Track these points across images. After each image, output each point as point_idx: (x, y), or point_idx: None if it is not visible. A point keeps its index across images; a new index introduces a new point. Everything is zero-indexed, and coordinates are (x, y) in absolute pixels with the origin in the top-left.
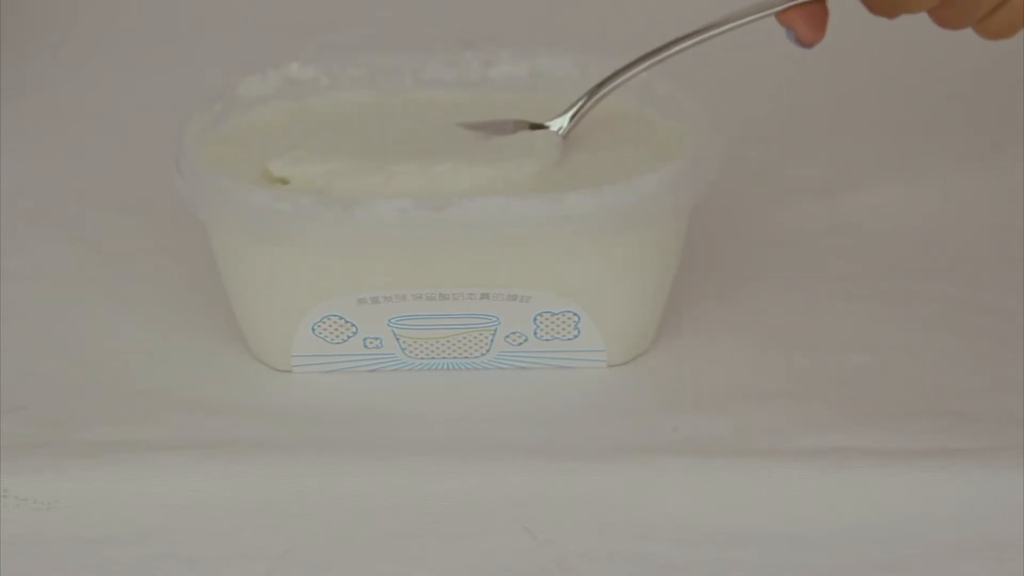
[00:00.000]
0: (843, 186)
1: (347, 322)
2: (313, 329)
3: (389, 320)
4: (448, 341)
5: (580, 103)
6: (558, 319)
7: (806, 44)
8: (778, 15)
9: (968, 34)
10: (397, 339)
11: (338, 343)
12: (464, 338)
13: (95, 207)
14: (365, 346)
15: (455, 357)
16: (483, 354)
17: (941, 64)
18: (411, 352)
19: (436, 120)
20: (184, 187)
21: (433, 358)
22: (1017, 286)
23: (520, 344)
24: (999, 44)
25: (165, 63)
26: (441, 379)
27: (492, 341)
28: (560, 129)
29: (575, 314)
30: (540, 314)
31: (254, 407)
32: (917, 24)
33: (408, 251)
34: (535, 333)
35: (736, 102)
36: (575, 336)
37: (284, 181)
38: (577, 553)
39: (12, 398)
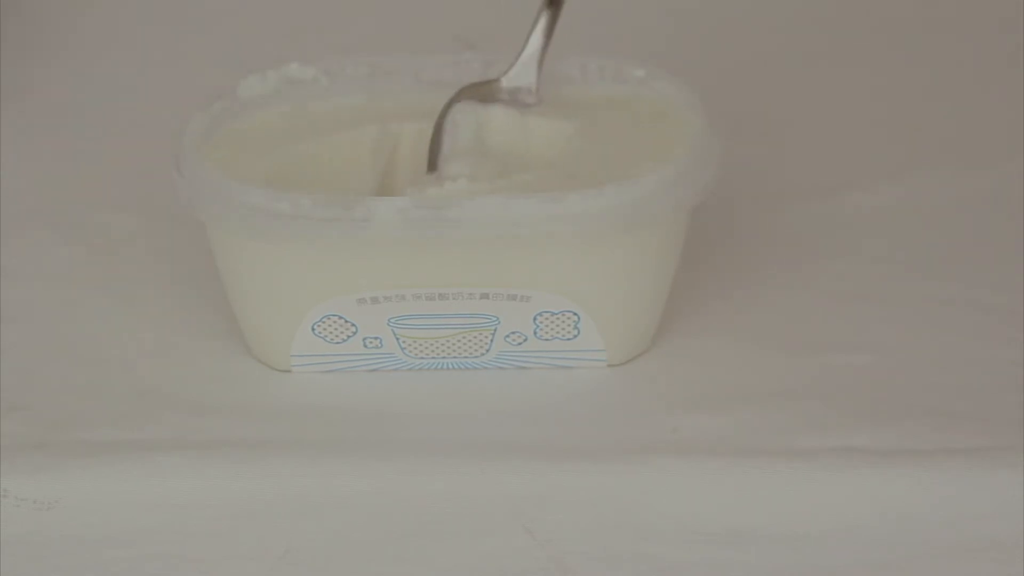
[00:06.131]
0: (843, 186)
1: (347, 322)
2: (313, 329)
3: (389, 320)
4: (448, 341)
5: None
6: (558, 319)
7: None
8: None
9: (968, 34)
10: (397, 339)
11: (338, 343)
12: (464, 338)
13: (95, 207)
14: (365, 346)
15: (455, 357)
16: (483, 354)
17: (941, 64)
18: (411, 352)
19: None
20: (184, 187)
21: (433, 358)
22: (1016, 286)
23: (520, 344)
24: (999, 44)
25: (165, 63)
26: (441, 379)
27: (492, 341)
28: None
29: (575, 314)
30: (540, 314)
31: (254, 407)
32: (918, 24)
33: (408, 251)
34: (535, 333)
35: (737, 101)
36: (575, 336)
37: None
38: (577, 553)
39: (12, 398)
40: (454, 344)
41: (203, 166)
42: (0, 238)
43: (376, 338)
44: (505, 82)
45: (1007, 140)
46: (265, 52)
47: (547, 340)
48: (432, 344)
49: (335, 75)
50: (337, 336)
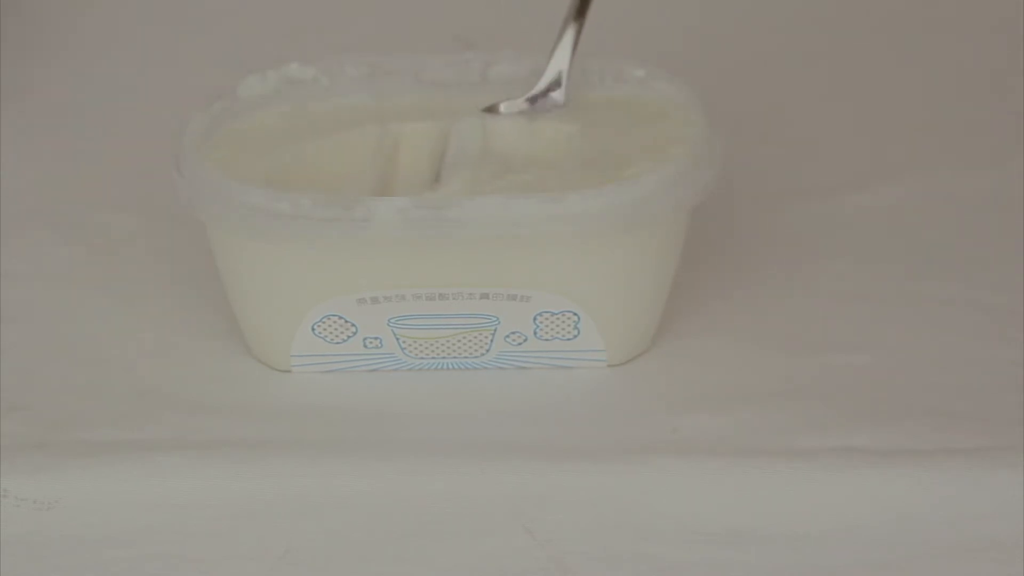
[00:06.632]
0: (843, 186)
1: (347, 322)
2: (313, 329)
3: (389, 320)
4: (448, 341)
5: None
6: (558, 319)
7: None
8: None
9: (967, 34)
10: (397, 339)
11: (338, 343)
12: (464, 338)
13: (95, 207)
14: (365, 346)
15: (455, 357)
16: (483, 354)
17: (941, 64)
18: (411, 352)
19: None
20: (184, 187)
21: (433, 358)
22: (1016, 286)
23: (520, 344)
24: (999, 44)
25: (165, 63)
26: (441, 379)
27: (492, 341)
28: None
29: (575, 314)
30: (540, 314)
31: (254, 407)
32: (918, 24)
33: (408, 251)
34: (535, 333)
35: (737, 101)
36: (575, 336)
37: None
38: (577, 553)
39: (12, 398)
40: (454, 344)
41: (203, 166)
42: (0, 238)
43: (376, 338)
44: (528, 102)
45: (1007, 140)
46: (265, 52)
47: (547, 340)
48: (432, 344)
49: (335, 75)
50: (337, 336)
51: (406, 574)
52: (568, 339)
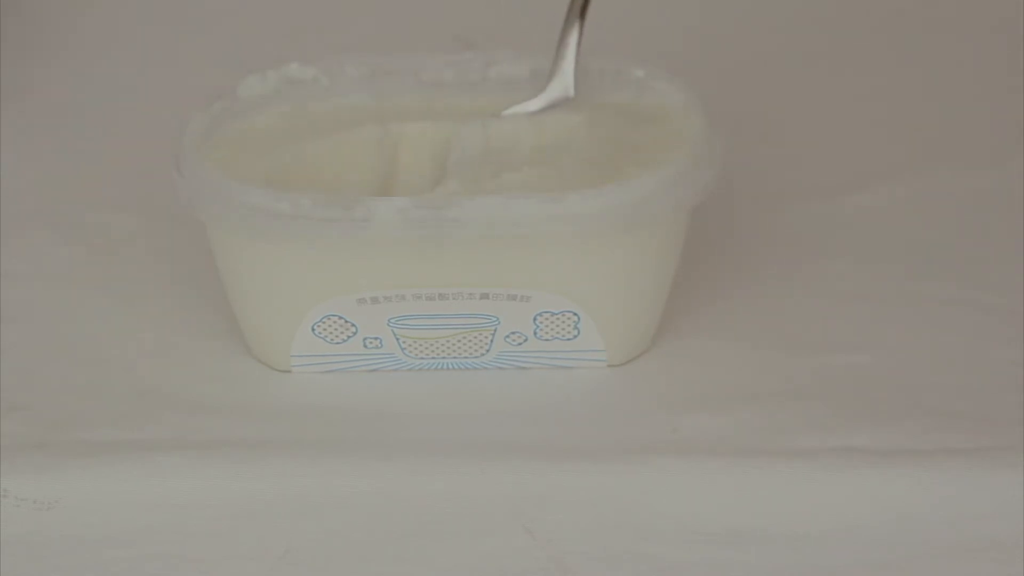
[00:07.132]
0: (843, 186)
1: (347, 322)
2: (313, 329)
3: (389, 320)
4: (448, 341)
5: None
6: (558, 319)
7: None
8: None
9: (968, 35)
10: (397, 339)
11: (338, 343)
12: (464, 338)
13: (95, 207)
14: (365, 346)
15: (455, 357)
16: (483, 354)
17: (941, 64)
18: (411, 352)
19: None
20: (184, 187)
21: (433, 358)
22: (1017, 286)
23: (520, 344)
24: (999, 44)
25: (165, 63)
26: (441, 379)
27: (492, 341)
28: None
29: (575, 314)
30: (540, 314)
31: (254, 407)
32: (918, 24)
33: (408, 251)
34: (535, 333)
35: (737, 101)
36: (575, 336)
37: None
38: (577, 553)
39: (12, 398)
40: (454, 344)
41: (203, 166)
42: (0, 238)
43: (376, 338)
44: (537, 104)
45: (1007, 140)
46: (265, 52)
47: (547, 340)
48: (432, 344)
49: (335, 75)
50: (337, 336)
51: (406, 574)
52: (568, 339)
